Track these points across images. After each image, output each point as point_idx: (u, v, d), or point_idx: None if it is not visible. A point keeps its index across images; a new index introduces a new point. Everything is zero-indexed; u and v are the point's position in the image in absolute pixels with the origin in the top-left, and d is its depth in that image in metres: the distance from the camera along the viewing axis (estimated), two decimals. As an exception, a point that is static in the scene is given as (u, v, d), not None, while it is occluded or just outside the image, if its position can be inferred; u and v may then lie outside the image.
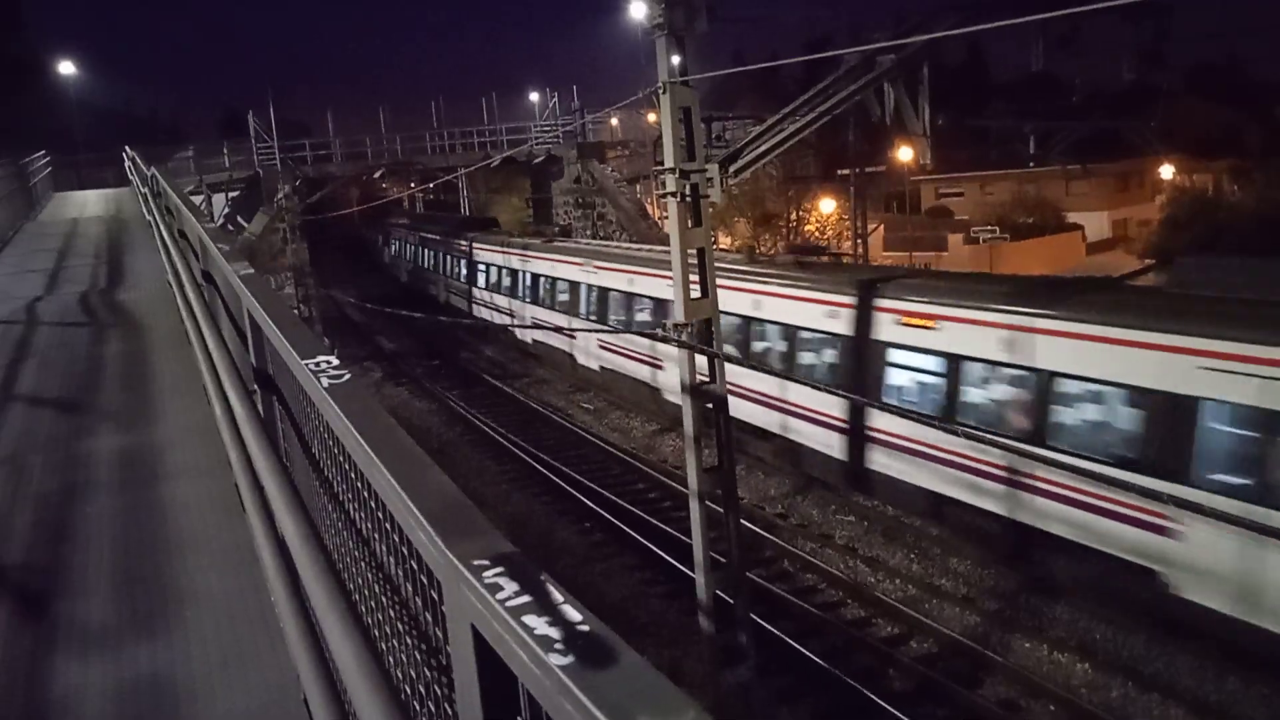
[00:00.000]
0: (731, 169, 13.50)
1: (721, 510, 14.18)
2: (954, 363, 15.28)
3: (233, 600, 4.32)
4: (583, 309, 27.84)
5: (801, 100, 14.50)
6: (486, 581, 1.41)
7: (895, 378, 16.48)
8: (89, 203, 29.50)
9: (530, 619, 1.32)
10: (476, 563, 1.47)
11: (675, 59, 12.75)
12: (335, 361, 2.73)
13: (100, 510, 5.45)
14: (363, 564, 2.38)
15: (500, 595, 1.38)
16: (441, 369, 34.43)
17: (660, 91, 12.77)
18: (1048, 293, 14.55)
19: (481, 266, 36.02)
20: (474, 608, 1.42)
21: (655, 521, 18.66)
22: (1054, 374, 13.62)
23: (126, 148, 30.63)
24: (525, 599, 1.37)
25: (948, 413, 15.11)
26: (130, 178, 27.66)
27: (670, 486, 20.41)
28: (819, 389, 17.02)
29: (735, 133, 33.35)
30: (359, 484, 2.22)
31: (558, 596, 1.37)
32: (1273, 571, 10.96)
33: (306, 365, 2.72)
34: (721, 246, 39.37)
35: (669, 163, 12.97)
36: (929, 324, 15.78)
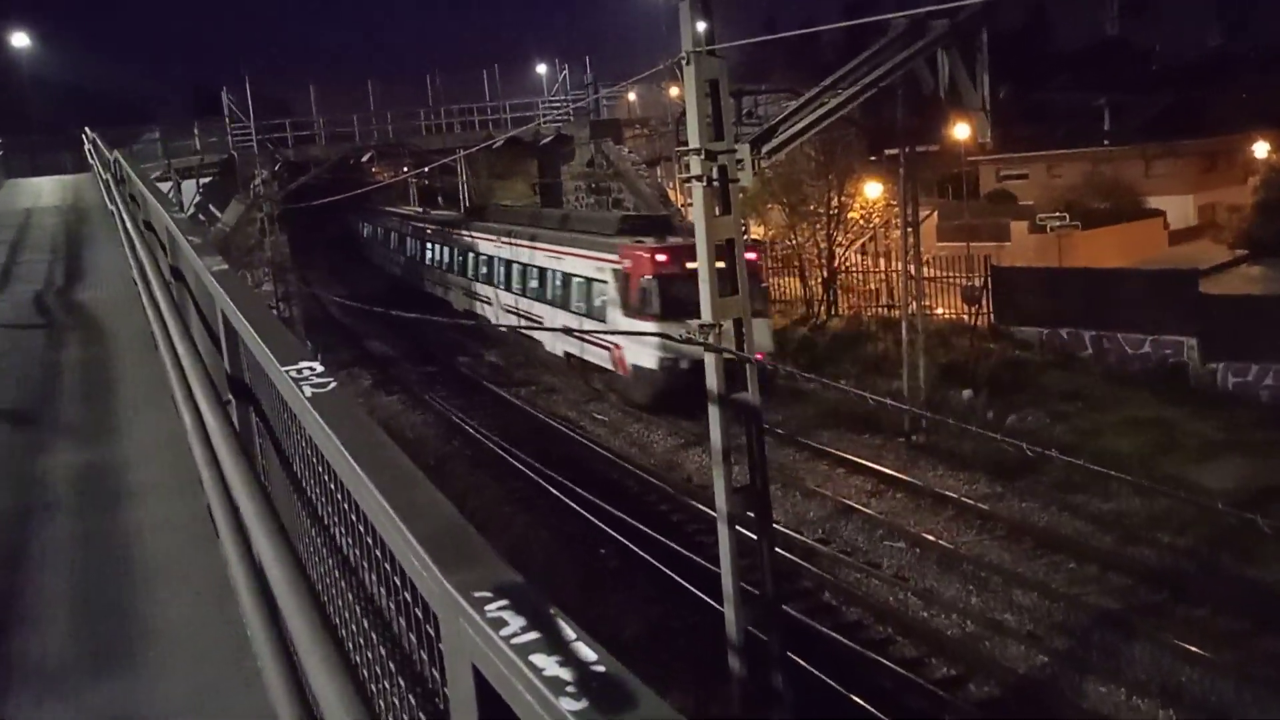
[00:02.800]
0: (764, 149, 13.49)
1: (753, 535, 14.14)
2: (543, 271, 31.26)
3: (204, 635, 4.34)
4: (498, 284, 35.57)
5: (843, 71, 14.48)
6: (489, 615, 1.41)
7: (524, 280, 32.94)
8: (44, 190, 29.79)
9: (539, 658, 1.32)
10: (478, 594, 1.47)
11: (701, 26, 12.76)
12: (319, 368, 2.74)
13: (57, 535, 5.49)
14: (349, 595, 2.39)
15: (505, 631, 1.38)
16: (438, 375, 34.54)
17: (684, 62, 12.77)
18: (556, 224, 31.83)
19: (427, 245, 40.89)
20: (475, 645, 1.42)
21: (678, 548, 18.65)
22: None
23: (86, 129, 30.90)
24: (533, 635, 1.36)
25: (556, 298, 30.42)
26: (90, 162, 27.91)
27: (695, 508, 20.40)
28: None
29: (768, 109, 33.36)
30: (345, 505, 2.23)
31: (569, 633, 1.37)
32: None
33: (287, 372, 2.73)
34: (755, 236, 39.37)
35: (694, 143, 12.97)
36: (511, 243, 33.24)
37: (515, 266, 33.58)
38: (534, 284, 32.21)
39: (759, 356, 25.28)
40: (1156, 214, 45.99)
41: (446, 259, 41.83)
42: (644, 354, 25.12)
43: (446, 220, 43.09)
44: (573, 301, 29.16)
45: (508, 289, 34.37)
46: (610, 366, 27.29)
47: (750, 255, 24.84)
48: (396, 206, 53.07)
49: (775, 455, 22.50)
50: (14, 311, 11.74)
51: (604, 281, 27.34)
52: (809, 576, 17.53)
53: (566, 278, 29.55)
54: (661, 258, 25.47)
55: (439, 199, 57.74)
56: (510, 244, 33.95)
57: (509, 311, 33.66)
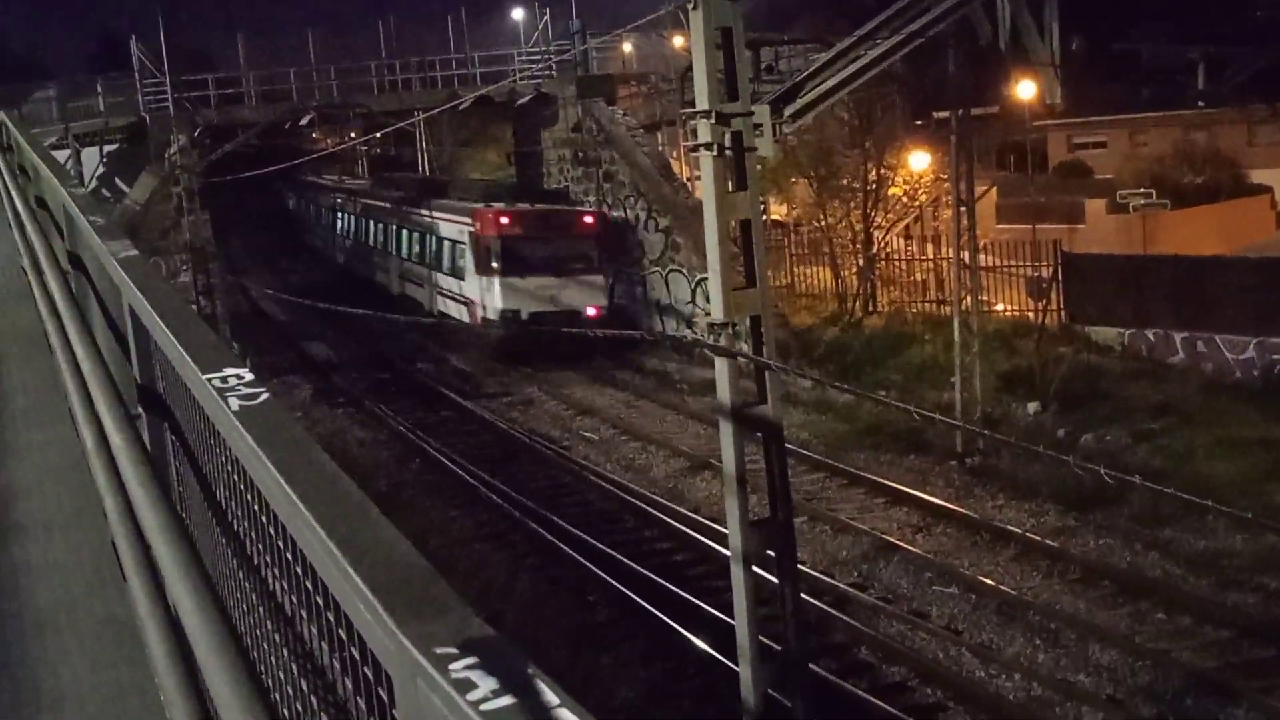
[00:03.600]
0: (787, 112, 13.51)
1: (774, 579, 14.15)
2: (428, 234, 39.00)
3: (107, 698, 4.33)
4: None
5: (883, 17, 14.50)
6: (454, 676, 1.41)
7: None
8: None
9: (514, 728, 1.31)
10: (440, 651, 1.47)
11: (710, -38, 12.79)
12: (248, 376, 2.74)
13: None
14: (285, 651, 2.38)
15: (473, 695, 1.37)
16: (392, 384, 34.62)
17: (690, 6, 12.79)
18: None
19: (376, 227, 46.00)
20: (437, 711, 1.41)
21: (684, 594, 18.65)
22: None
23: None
24: (506, 700, 1.36)
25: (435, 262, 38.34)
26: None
27: (704, 545, 20.42)
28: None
29: (792, 63, 33.37)
30: (280, 543, 2.22)
31: (551, 697, 1.37)
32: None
33: (209, 381, 2.73)
34: (777, 217, 39.39)
35: (702, 104, 12.99)
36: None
37: (419, 237, 40.77)
38: (423, 249, 40.17)
39: (594, 312, 34.08)
40: (1263, 190, 46.06)
41: (396, 243, 43.43)
42: (490, 307, 34.06)
43: (399, 197, 44.42)
44: (444, 263, 37.75)
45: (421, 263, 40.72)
46: (467, 320, 35.55)
47: (588, 219, 35.85)
48: (341, 180, 55.84)
49: (800, 481, 22.53)
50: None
51: (463, 243, 35.62)
52: (841, 628, 17.53)
53: (440, 241, 38.09)
54: (505, 220, 34.27)
55: (392, 171, 58.11)
56: (416, 215, 41.15)
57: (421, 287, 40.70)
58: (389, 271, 43.92)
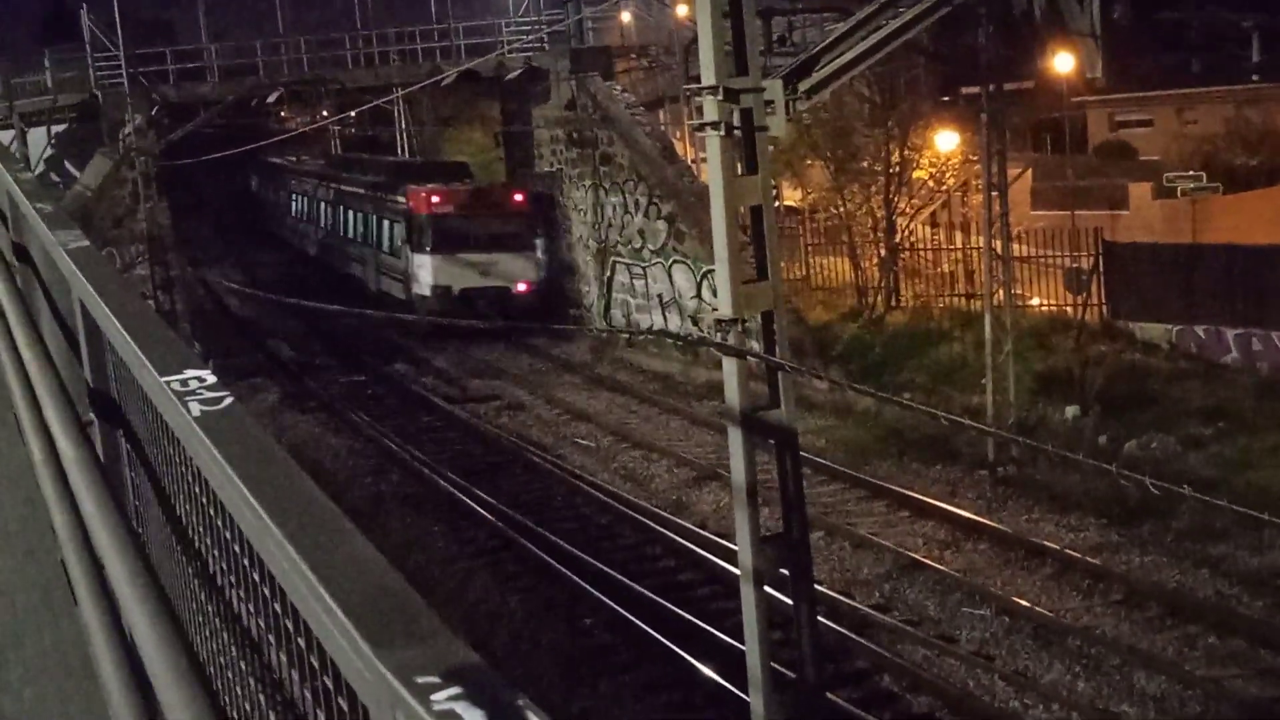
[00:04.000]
0: (802, 87, 13.51)
1: (788, 600, 14.15)
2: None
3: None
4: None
5: (907, -16, 14.50)
6: (437, 708, 1.41)
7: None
8: None
9: (502, 764, 1.32)
10: (421, 680, 1.47)
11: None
12: (210, 378, 2.74)
13: None
14: (251, 681, 2.39)
15: (457, 728, 1.38)
16: (368, 388, 34.61)
17: (694, -28, 12.80)
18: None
19: (347, 212, 48.24)
20: (418, 747, 1.42)
21: (688, 616, 18.65)
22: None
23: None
24: (494, 734, 1.36)
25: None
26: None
27: (711, 563, 20.44)
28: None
29: (808, 33, 33.35)
30: (246, 561, 2.23)
31: (543, 730, 1.37)
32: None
33: (168, 384, 2.73)
34: (791, 203, 39.37)
35: (708, 79, 12.99)
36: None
37: (362, 218, 44.94)
38: (365, 230, 44.36)
39: (524, 287, 37.84)
40: (1324, 173, 45.97)
41: (343, 225, 47.17)
42: (423, 284, 38.27)
43: (344, 178, 47.52)
44: (384, 242, 41.98)
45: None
46: (403, 296, 39.76)
47: (518, 197, 39.16)
48: (300, 161, 57.56)
49: (817, 493, 22.53)
50: None
51: (400, 222, 40.03)
52: (863, 654, 17.52)
53: (380, 221, 42.65)
54: (435, 199, 38.29)
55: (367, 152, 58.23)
56: (357, 196, 45.24)
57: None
58: (335, 253, 48.27)
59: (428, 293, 37.77)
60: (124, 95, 37.41)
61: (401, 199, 39.58)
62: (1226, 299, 28.64)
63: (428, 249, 37.97)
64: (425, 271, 38.03)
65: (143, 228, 36.53)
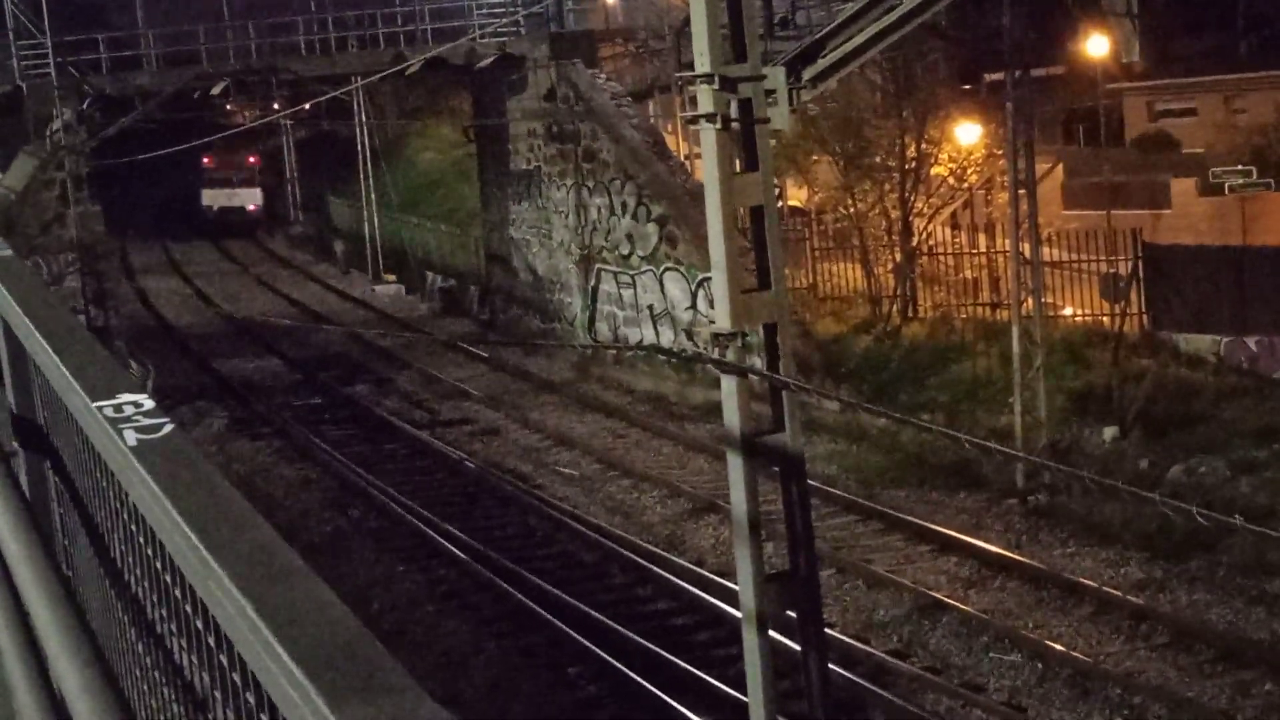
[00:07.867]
0: (806, 75, 13.54)
1: (796, 645, 14.14)
2: None
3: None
4: None
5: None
6: (402, 771, 1.40)
7: None
8: None
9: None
10: (385, 739, 1.46)
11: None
12: (148, 404, 2.73)
13: None
14: (195, 741, 2.37)
15: (425, 795, 1.37)
16: (327, 410, 34.67)
17: (687, -53, 12.84)
18: None
19: None
20: (381, 816, 1.41)
21: (684, 664, 18.64)
22: None
23: None
24: (468, 801, 1.36)
25: None
26: None
27: (710, 605, 20.42)
28: None
29: (813, 14, 33.49)
30: (188, 607, 2.21)
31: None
32: None
33: (101, 410, 2.72)
34: (795, 203, 39.44)
35: (702, 66, 13.03)
36: None
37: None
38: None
39: (253, 207, 78.19)
40: (1387, 167, 46.18)
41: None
42: (203, 204, 75.01)
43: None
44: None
45: None
46: (209, 215, 73.86)
47: (252, 159, 77.41)
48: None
49: (827, 526, 22.53)
50: None
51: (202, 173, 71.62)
52: (880, 705, 17.51)
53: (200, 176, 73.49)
54: (205, 160, 70.01)
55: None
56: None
57: None
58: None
59: (207, 204, 74.33)
60: (51, 87, 37.44)
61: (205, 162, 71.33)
62: (1280, 307, 28.74)
63: (204, 185, 74.09)
64: (202, 197, 74.32)
65: (73, 235, 36.54)
